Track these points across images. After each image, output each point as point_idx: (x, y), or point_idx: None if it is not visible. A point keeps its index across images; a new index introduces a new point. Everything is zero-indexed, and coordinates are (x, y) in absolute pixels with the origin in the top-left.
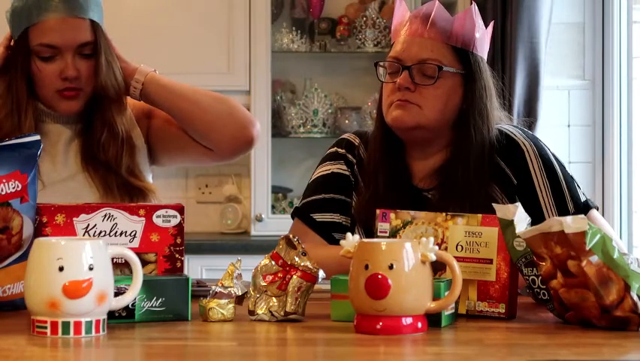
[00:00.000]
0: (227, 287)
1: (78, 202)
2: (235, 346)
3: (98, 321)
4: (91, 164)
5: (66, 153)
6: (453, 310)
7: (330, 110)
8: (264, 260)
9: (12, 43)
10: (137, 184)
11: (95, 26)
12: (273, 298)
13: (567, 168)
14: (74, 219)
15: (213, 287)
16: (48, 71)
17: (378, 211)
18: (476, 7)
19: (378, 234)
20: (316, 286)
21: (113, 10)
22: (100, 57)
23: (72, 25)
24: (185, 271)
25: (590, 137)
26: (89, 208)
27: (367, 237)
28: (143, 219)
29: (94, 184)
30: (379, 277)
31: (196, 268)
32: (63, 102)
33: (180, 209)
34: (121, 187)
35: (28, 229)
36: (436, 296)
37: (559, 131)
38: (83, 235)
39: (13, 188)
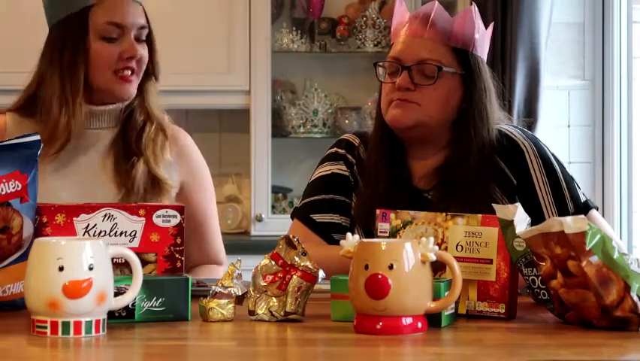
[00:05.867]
0: (227, 287)
1: (94, 190)
2: (235, 346)
3: (98, 321)
4: (120, 161)
5: (101, 159)
6: (453, 310)
7: (330, 110)
8: (264, 260)
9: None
10: (159, 175)
11: (145, 12)
12: (273, 298)
13: (567, 168)
14: (74, 219)
15: (213, 287)
16: (109, 51)
17: (378, 211)
18: (476, 8)
19: (379, 234)
20: (316, 286)
21: None
22: (153, 40)
23: (133, 7)
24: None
25: (590, 137)
26: (89, 208)
27: (367, 237)
28: (143, 219)
29: (113, 178)
30: (379, 277)
31: None
32: (121, 85)
33: (180, 209)
34: (143, 176)
35: (28, 229)
36: (436, 296)
37: (559, 131)
38: (83, 234)
39: (13, 188)
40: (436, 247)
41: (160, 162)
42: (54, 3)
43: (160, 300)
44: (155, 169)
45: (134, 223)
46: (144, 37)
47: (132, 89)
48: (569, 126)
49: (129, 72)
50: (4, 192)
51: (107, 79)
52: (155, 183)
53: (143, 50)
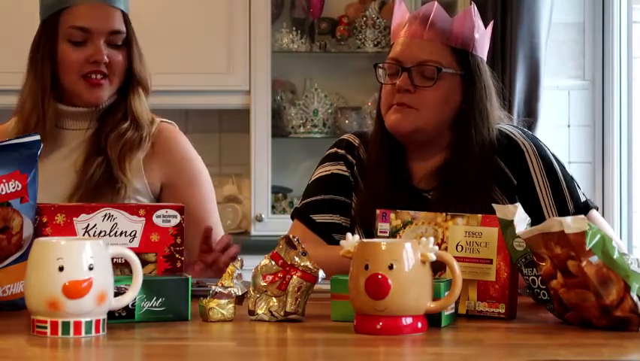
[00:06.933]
0: (227, 287)
1: (50, 183)
2: (235, 346)
3: (97, 321)
4: (88, 158)
5: (74, 157)
6: (453, 311)
7: (330, 110)
8: (264, 260)
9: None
10: (117, 174)
11: (125, 17)
12: (273, 298)
13: (567, 168)
14: (74, 219)
15: (213, 287)
16: (76, 55)
17: (378, 211)
18: (475, 8)
19: (379, 234)
20: (316, 286)
21: None
22: (132, 47)
23: (105, 12)
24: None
25: (590, 137)
26: (89, 208)
27: (367, 237)
28: (143, 219)
29: (76, 174)
30: (379, 277)
31: None
32: (89, 90)
33: (180, 209)
34: (99, 174)
35: (28, 229)
36: (436, 296)
37: (559, 131)
38: (83, 235)
39: (13, 188)
40: (436, 247)
41: (125, 160)
42: (40, 6)
43: (160, 300)
44: (115, 167)
45: (134, 223)
46: (120, 43)
47: (102, 93)
48: (569, 126)
49: (99, 76)
50: (4, 192)
51: (74, 82)
52: (111, 181)
53: (115, 55)
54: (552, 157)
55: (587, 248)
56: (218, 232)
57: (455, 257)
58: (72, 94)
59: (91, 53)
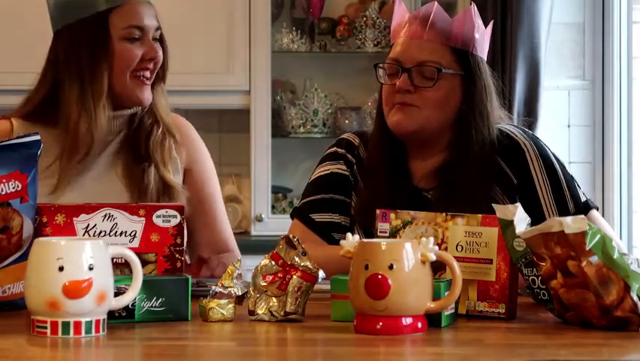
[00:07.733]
0: (227, 287)
1: (107, 197)
2: (235, 346)
3: (97, 321)
4: (130, 165)
5: (111, 164)
6: (453, 311)
7: (330, 110)
8: (264, 260)
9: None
10: (170, 181)
11: (156, 12)
12: (273, 298)
13: (567, 168)
14: (74, 219)
15: (213, 287)
16: (134, 52)
17: (378, 211)
18: (475, 8)
19: (378, 234)
20: (316, 286)
21: None
22: (165, 41)
23: (149, 9)
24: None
25: (590, 137)
26: (89, 208)
27: (367, 237)
28: (143, 219)
29: (124, 183)
30: (379, 277)
31: None
32: (140, 89)
33: (180, 209)
34: (155, 183)
35: (28, 229)
36: (436, 296)
37: (559, 131)
38: (83, 235)
39: (13, 188)
40: (436, 247)
41: (168, 165)
42: (62, 7)
43: (160, 300)
44: (165, 174)
45: (134, 223)
46: (158, 37)
47: (149, 94)
48: (569, 126)
49: (148, 74)
50: (4, 192)
51: (125, 82)
52: (166, 188)
53: (159, 51)
54: (552, 157)
55: (587, 248)
56: (225, 220)
57: (455, 257)
58: (119, 96)
59: (146, 50)
